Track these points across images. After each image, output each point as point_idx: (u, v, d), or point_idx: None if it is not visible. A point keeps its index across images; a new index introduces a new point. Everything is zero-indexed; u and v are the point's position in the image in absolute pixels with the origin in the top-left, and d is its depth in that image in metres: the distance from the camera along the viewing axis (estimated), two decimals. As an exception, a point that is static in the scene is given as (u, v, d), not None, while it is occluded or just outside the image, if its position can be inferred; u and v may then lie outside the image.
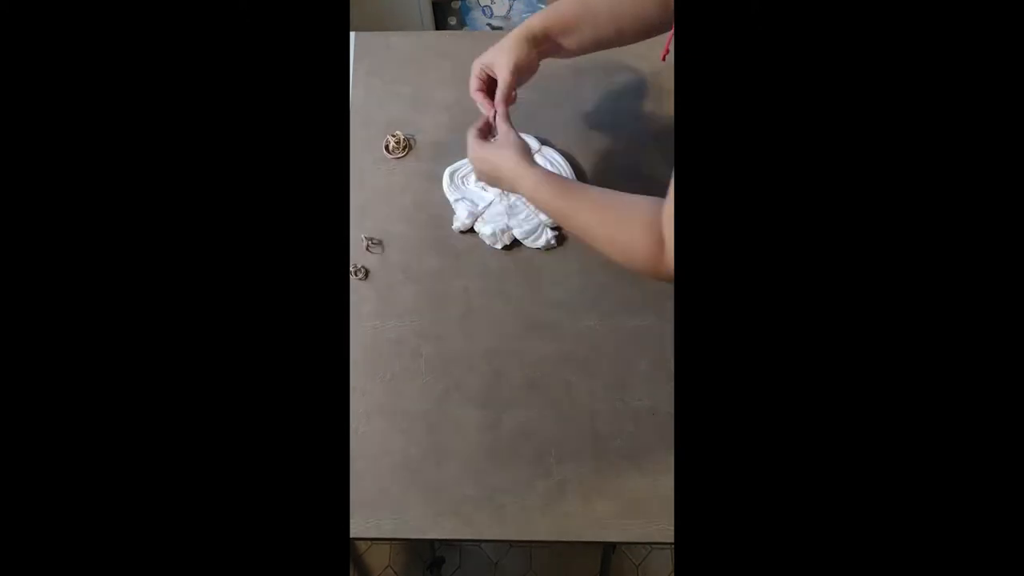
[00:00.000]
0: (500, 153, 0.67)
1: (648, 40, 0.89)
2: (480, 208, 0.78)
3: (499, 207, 0.78)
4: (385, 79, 0.88)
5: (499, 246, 0.77)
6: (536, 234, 0.77)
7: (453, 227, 0.79)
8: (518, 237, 0.77)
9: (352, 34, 0.91)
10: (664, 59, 0.66)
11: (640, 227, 0.58)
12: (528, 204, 0.75)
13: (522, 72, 0.70)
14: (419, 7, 1.54)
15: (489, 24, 1.76)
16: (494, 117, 0.70)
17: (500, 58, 0.69)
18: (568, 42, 0.70)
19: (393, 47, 0.91)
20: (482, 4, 1.78)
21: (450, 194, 0.80)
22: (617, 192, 0.63)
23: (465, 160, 0.81)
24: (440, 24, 1.73)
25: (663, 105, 0.86)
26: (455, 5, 1.77)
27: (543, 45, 0.69)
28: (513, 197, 0.78)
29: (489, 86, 0.72)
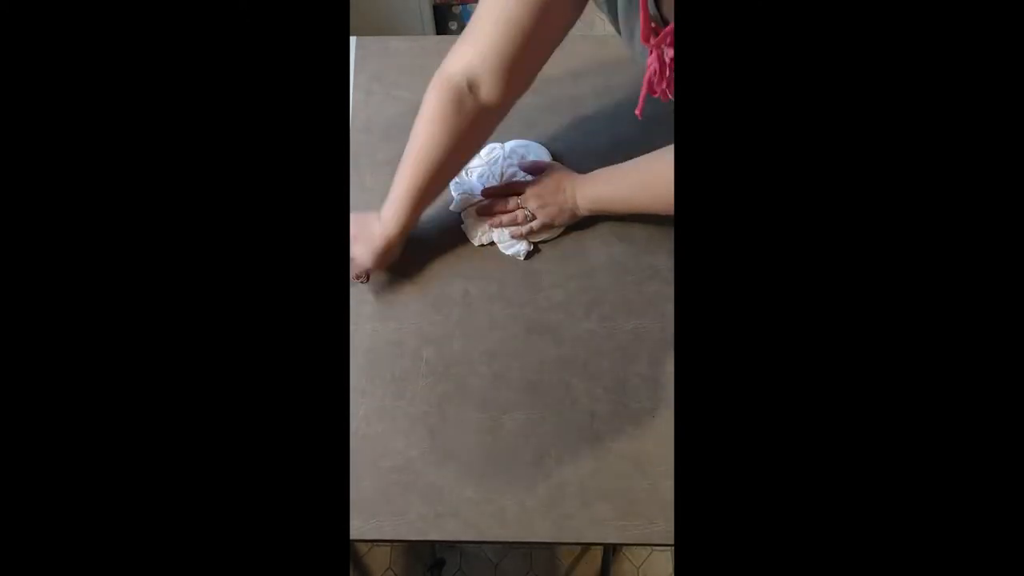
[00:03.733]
0: (551, 171, 0.77)
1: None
2: (475, 199, 0.80)
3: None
4: (386, 83, 0.89)
5: (476, 242, 0.78)
6: (511, 241, 0.78)
7: (451, 208, 0.80)
8: (495, 239, 0.78)
9: (353, 38, 0.92)
10: (639, 115, 0.69)
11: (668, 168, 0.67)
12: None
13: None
14: (420, 11, 1.55)
15: (489, 28, 1.76)
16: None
17: (369, 263, 0.74)
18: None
19: (394, 51, 0.91)
20: (482, 8, 1.77)
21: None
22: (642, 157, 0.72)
23: None
24: (441, 28, 1.74)
25: (663, 108, 0.86)
26: (456, 9, 1.77)
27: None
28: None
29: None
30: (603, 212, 0.76)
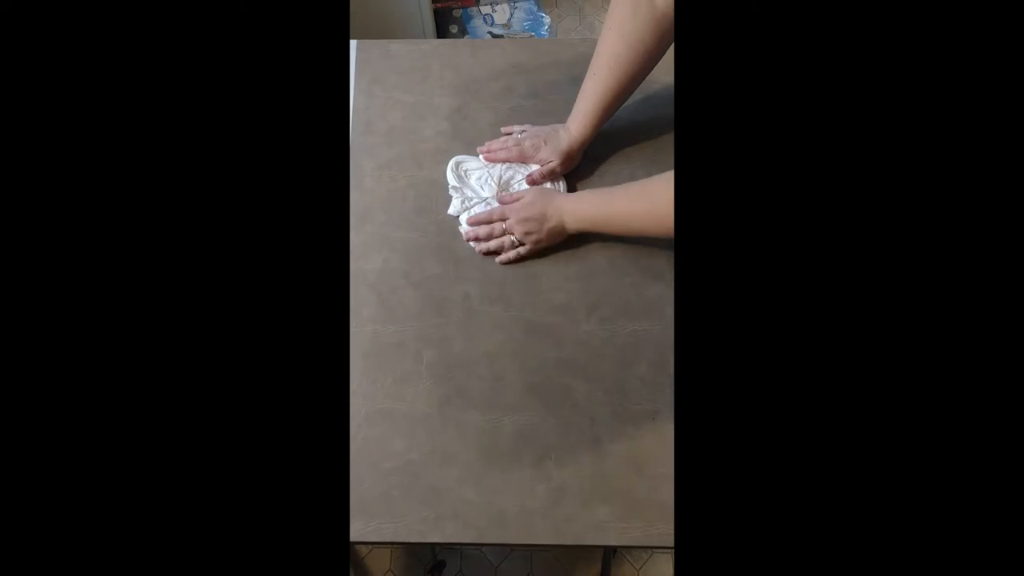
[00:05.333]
0: (533, 198, 0.77)
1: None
2: (472, 203, 0.80)
3: (484, 208, 0.80)
4: (386, 86, 0.89)
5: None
6: None
7: (448, 212, 0.80)
8: None
9: (353, 42, 0.92)
10: None
11: (663, 191, 0.68)
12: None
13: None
14: (420, 15, 1.55)
15: (490, 32, 1.77)
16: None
17: (555, 161, 0.79)
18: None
19: (394, 55, 0.91)
20: (483, 12, 1.79)
21: (450, 180, 0.82)
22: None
23: (468, 156, 0.83)
24: (441, 32, 1.74)
25: (663, 111, 0.86)
26: (456, 13, 1.78)
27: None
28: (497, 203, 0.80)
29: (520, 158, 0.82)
30: (591, 232, 0.76)
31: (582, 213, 0.74)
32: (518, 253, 0.76)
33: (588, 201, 0.75)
